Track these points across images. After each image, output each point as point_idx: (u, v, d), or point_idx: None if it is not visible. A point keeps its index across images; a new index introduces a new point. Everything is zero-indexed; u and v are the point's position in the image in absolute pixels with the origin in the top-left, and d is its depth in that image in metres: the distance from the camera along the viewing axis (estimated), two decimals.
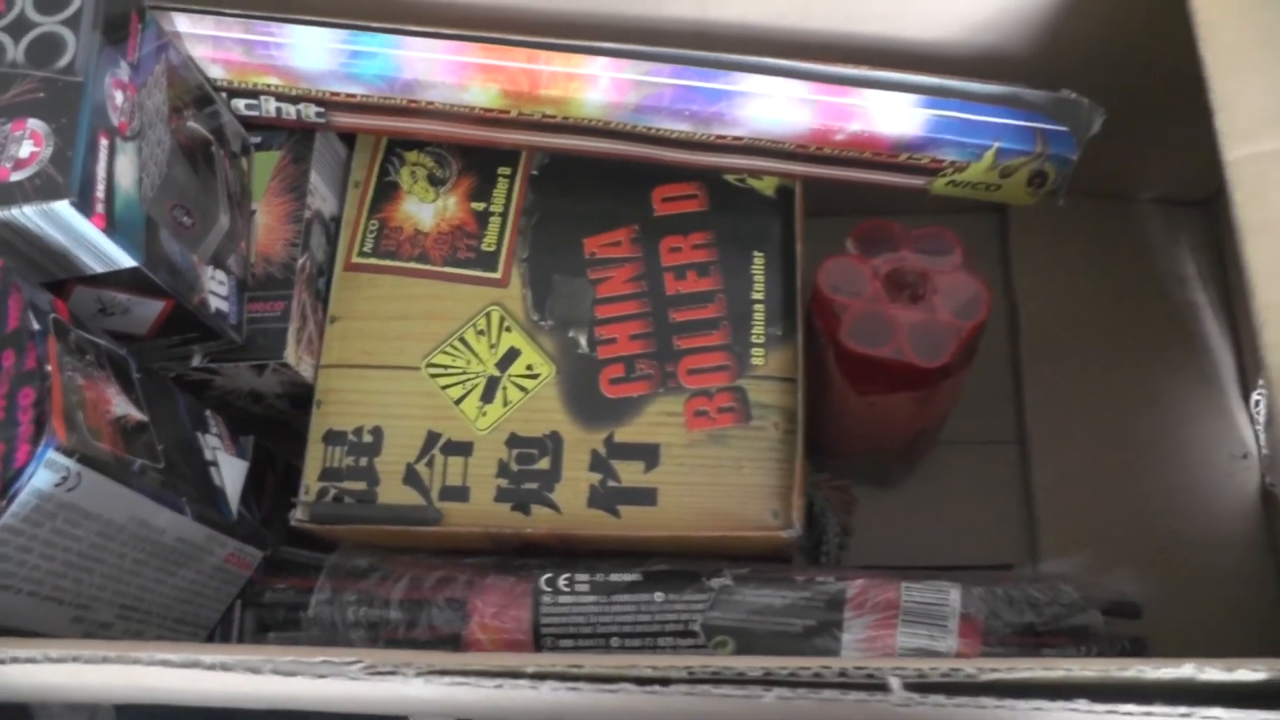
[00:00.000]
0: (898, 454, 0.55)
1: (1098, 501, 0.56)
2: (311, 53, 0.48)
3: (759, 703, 0.34)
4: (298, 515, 0.49)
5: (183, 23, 0.48)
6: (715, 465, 0.47)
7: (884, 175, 0.49)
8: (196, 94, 0.49)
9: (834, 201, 0.54)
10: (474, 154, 0.53)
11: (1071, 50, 0.50)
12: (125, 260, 0.42)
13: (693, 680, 0.34)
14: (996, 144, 0.47)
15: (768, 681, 0.33)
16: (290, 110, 0.51)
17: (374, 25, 0.47)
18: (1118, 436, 0.57)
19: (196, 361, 0.49)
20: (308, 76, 0.49)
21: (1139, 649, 0.47)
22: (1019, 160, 0.48)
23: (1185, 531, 0.55)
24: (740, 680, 0.33)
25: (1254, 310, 0.39)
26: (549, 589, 0.46)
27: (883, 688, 0.33)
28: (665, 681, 0.34)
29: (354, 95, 0.49)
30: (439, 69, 0.47)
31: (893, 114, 0.46)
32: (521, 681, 0.34)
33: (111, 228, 0.41)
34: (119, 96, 0.42)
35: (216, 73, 0.50)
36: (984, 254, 0.62)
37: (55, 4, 0.43)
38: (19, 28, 0.42)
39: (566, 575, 0.46)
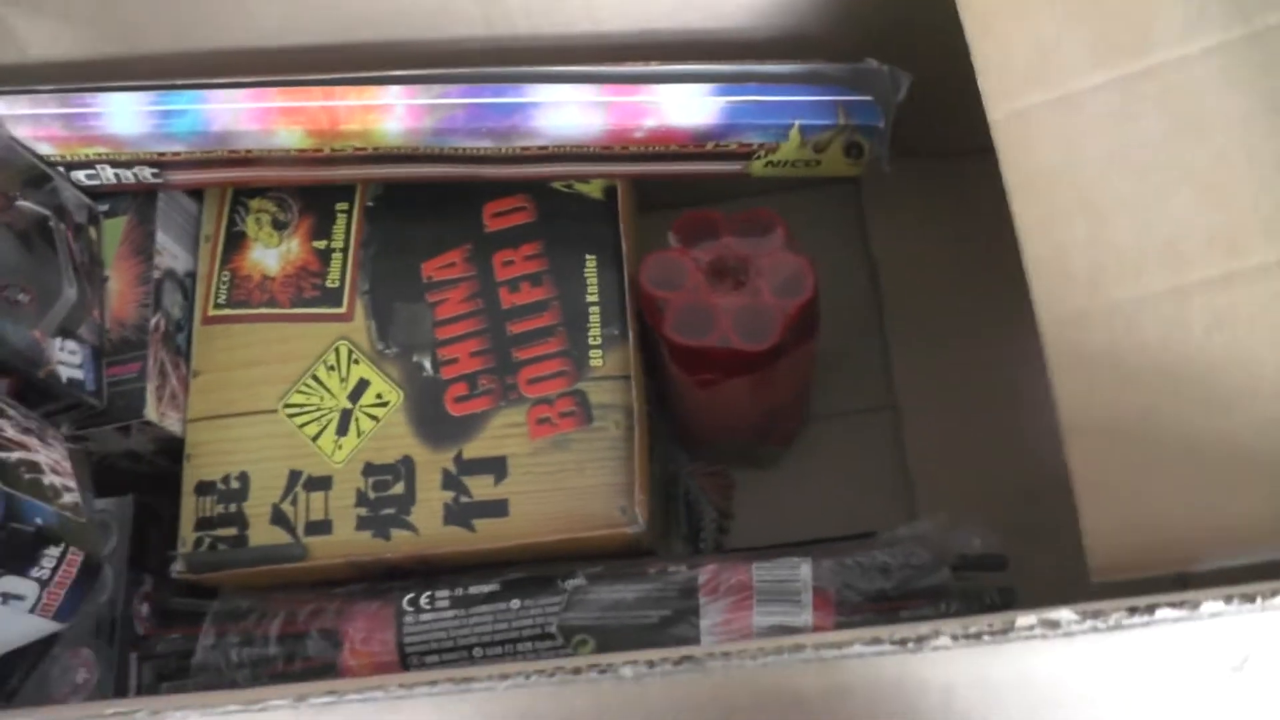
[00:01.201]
0: (759, 436, 0.55)
1: (973, 458, 0.55)
2: (126, 118, 0.49)
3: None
4: (177, 568, 0.50)
5: None
6: (559, 470, 0.48)
7: (698, 165, 0.50)
8: (28, 174, 0.50)
9: (679, 194, 0.54)
10: (312, 194, 0.54)
11: (873, 19, 0.50)
12: None
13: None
14: (798, 121, 0.48)
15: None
16: (128, 174, 0.52)
17: (179, 83, 0.48)
18: (989, 391, 0.57)
19: (64, 431, 0.51)
20: (130, 141, 0.50)
21: (1008, 600, 0.48)
22: (826, 134, 0.49)
23: (1063, 477, 0.55)
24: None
25: (1024, 265, 0.39)
26: (411, 608, 0.47)
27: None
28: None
29: (179, 153, 0.50)
30: (244, 118, 0.48)
31: (686, 106, 0.47)
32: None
33: None
34: None
35: (45, 149, 0.51)
36: (840, 223, 0.62)
37: None
38: None
39: (428, 593, 0.47)
